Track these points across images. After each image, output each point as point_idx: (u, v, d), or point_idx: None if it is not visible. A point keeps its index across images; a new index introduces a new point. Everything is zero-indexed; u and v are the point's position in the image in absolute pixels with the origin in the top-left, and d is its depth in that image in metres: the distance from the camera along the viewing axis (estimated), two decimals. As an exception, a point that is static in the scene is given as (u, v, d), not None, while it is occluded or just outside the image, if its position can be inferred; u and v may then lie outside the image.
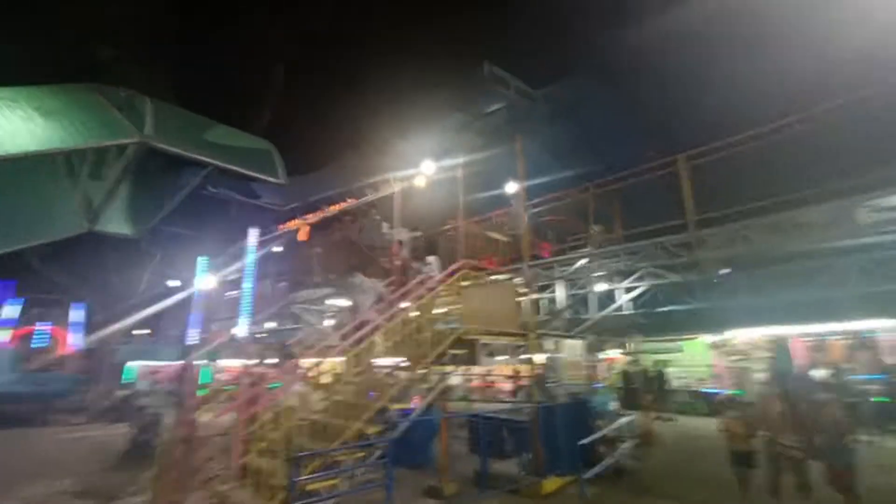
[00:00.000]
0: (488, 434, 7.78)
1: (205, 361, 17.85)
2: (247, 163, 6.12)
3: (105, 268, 19.40)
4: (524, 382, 19.95)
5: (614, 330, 12.26)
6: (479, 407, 17.03)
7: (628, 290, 10.18)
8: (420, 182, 11.89)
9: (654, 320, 11.05)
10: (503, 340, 7.86)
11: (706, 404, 13.19)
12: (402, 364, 7.02)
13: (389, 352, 7.07)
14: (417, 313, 7.09)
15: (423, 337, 6.76)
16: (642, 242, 9.08)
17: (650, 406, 12.07)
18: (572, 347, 8.88)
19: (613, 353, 18.57)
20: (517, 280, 8.96)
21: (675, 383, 14.69)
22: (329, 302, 12.34)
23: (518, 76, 9.29)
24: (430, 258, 8.60)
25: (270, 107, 13.38)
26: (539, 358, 8.64)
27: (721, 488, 6.48)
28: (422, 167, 10.05)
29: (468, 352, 7.37)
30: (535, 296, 10.74)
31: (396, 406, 6.02)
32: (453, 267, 7.94)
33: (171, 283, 16.43)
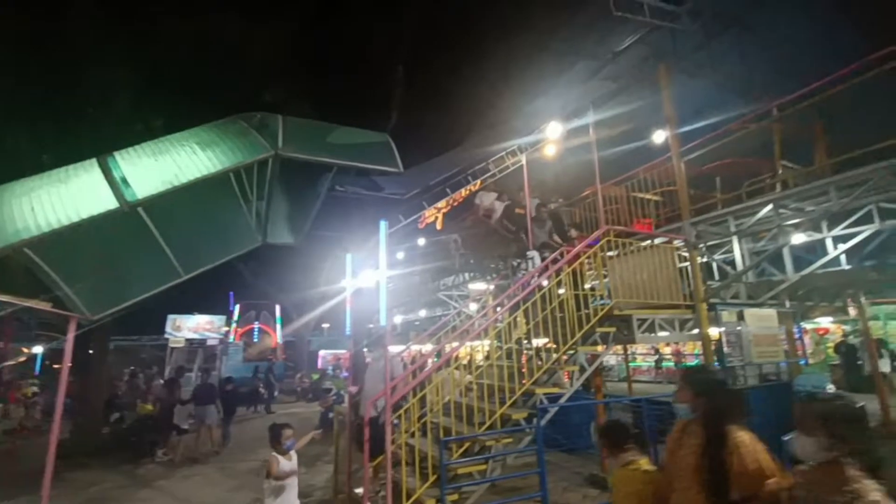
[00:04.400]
0: (656, 419, 6.76)
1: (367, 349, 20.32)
2: (366, 157, 6.39)
3: (291, 273, 23.59)
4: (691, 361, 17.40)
5: (824, 292, 9.53)
6: (654, 390, 15.43)
7: (843, 238, 7.63)
8: (549, 150, 10.99)
9: (890, 275, 8.12)
10: (664, 314, 6.68)
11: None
12: (546, 345, 6.52)
13: (531, 333, 6.62)
14: (561, 291, 6.47)
15: (565, 316, 6.15)
16: (864, 169, 6.35)
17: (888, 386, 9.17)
18: (761, 318, 7.11)
19: (824, 322, 14.90)
20: (677, 243, 7.59)
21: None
22: (471, 286, 12.47)
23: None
24: (531, 252, 7.79)
25: (395, 106, 14.03)
26: (715, 332, 7.13)
27: None
28: (548, 131, 9.18)
29: (622, 330, 6.49)
30: (702, 259, 8.96)
31: (542, 390, 5.57)
32: (595, 235, 7.04)
33: (338, 282, 18.81)
